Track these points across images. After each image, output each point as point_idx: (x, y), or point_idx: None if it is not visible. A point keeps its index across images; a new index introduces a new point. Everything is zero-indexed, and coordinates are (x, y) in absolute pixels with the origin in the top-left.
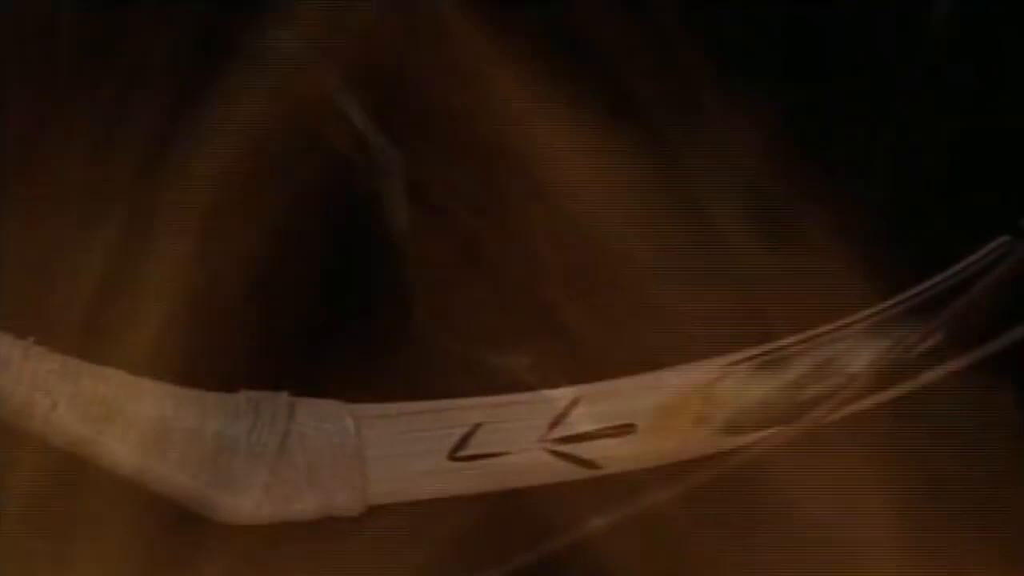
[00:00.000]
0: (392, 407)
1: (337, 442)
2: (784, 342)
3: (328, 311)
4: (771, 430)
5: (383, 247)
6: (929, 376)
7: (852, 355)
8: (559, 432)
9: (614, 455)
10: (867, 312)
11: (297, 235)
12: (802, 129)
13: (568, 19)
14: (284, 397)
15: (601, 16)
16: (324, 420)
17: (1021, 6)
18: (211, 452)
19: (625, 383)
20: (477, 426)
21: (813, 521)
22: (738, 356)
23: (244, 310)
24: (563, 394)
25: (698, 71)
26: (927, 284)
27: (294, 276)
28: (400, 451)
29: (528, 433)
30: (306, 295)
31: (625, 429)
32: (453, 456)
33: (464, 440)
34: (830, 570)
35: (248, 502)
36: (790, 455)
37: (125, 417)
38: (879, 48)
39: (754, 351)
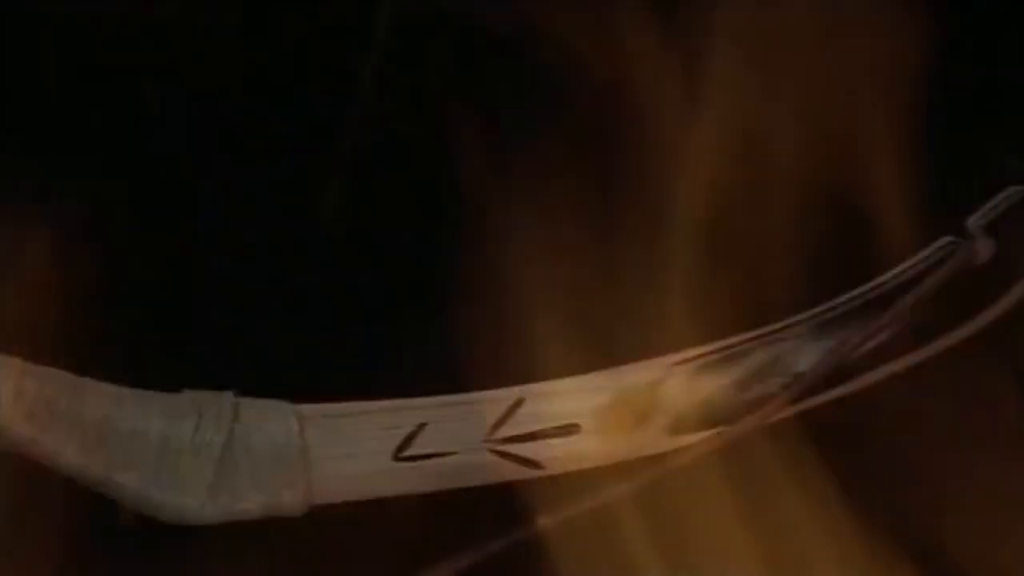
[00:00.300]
0: (336, 407)
1: (281, 442)
2: (729, 341)
3: (272, 310)
4: (716, 430)
5: (328, 244)
6: (873, 376)
7: (797, 355)
8: (504, 432)
9: (559, 455)
10: (812, 312)
11: (239, 233)
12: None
13: None
14: (228, 397)
15: None
16: (268, 420)
17: None
18: (155, 452)
19: (570, 383)
20: (421, 426)
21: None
22: (682, 356)
23: (186, 309)
24: (507, 394)
25: None
26: (872, 284)
27: (236, 276)
28: (344, 451)
29: (472, 433)
30: (249, 294)
31: (570, 429)
32: (397, 456)
33: (408, 440)
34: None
35: (193, 502)
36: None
37: (69, 417)
38: None
39: (699, 351)
